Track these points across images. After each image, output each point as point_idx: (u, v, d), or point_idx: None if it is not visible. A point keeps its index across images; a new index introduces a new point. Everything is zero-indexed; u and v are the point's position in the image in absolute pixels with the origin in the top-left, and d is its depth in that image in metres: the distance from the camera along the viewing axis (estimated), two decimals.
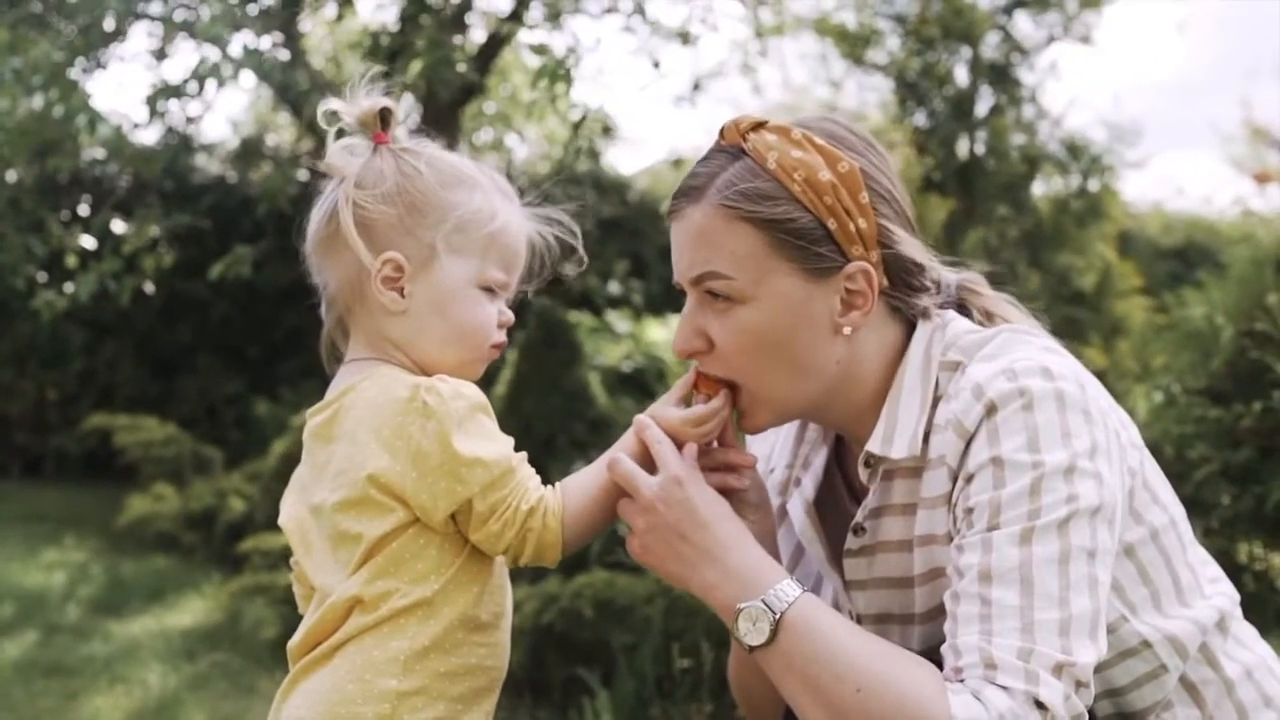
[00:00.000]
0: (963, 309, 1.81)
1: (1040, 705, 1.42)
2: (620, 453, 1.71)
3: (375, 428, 1.60)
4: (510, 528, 1.61)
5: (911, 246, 1.70)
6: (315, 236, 1.74)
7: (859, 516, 1.74)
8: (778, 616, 1.53)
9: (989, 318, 1.80)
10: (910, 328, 1.73)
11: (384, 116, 1.73)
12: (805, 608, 1.54)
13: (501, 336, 1.76)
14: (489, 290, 1.73)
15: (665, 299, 10.52)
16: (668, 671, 3.84)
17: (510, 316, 1.77)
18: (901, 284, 1.70)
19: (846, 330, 1.67)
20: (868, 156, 1.69)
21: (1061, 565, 1.48)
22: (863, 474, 1.72)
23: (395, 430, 1.59)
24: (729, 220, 1.64)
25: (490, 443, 1.62)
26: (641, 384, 7.90)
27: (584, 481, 1.70)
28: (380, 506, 1.61)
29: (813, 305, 1.66)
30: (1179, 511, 1.75)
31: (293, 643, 1.69)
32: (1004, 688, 1.43)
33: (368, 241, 1.67)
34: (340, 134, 1.74)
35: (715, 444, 1.76)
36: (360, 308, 1.72)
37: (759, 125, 1.69)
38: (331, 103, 1.74)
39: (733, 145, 1.69)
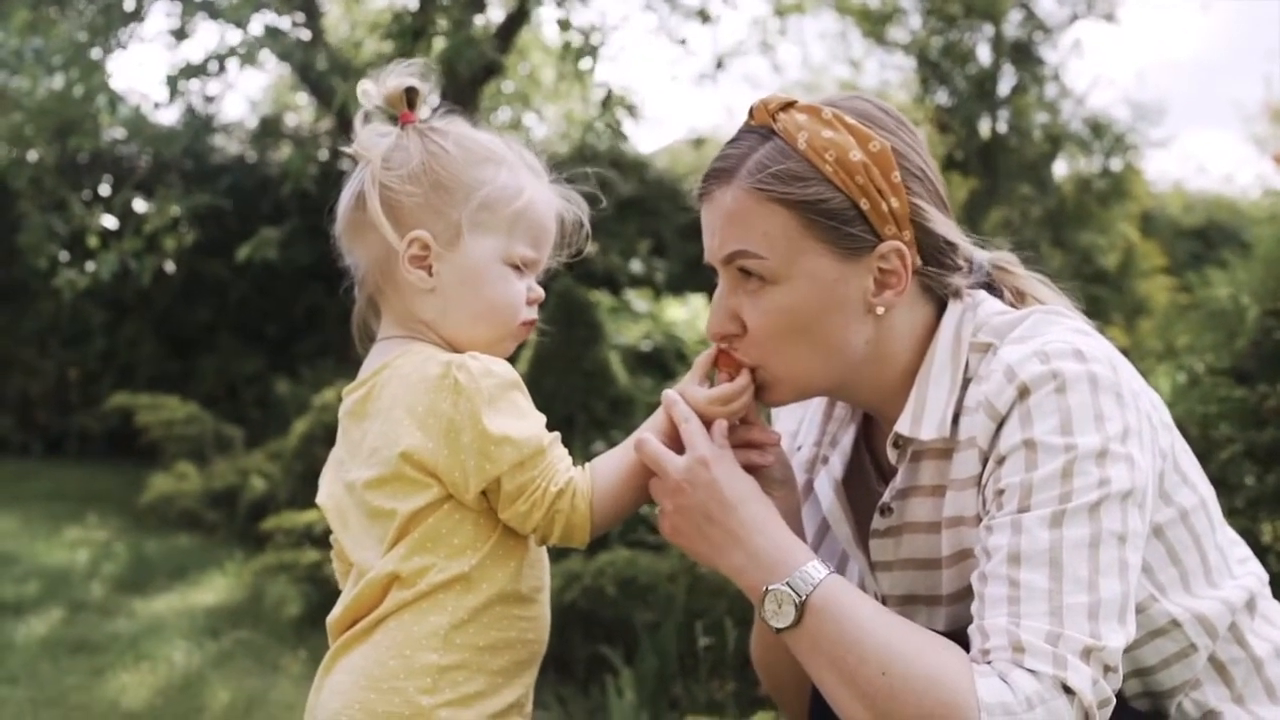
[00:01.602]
0: (994, 288, 1.80)
1: (1068, 689, 1.42)
2: (648, 433, 1.71)
3: (409, 405, 1.62)
4: (538, 508, 1.62)
5: (944, 225, 1.69)
6: (344, 219, 1.75)
7: (886, 497, 1.74)
8: (803, 599, 1.54)
9: (1020, 297, 1.79)
10: (941, 307, 1.72)
11: (410, 96, 1.74)
12: (831, 590, 1.54)
13: (532, 313, 1.76)
14: (517, 267, 1.73)
15: (685, 278, 10.50)
16: (690, 649, 3.84)
17: (540, 293, 1.77)
18: (934, 263, 1.69)
19: (880, 310, 1.67)
20: (899, 135, 1.67)
21: (1092, 549, 1.48)
22: (891, 455, 1.71)
23: (428, 407, 1.60)
24: (760, 202, 1.64)
25: (521, 421, 1.62)
26: (660, 363, 7.90)
27: (613, 463, 1.71)
28: (414, 483, 1.62)
29: (846, 285, 1.65)
30: (1209, 492, 1.74)
31: (332, 618, 1.71)
32: (1031, 671, 1.43)
33: (394, 222, 1.68)
34: (367, 116, 1.75)
35: (739, 421, 1.75)
36: (390, 287, 1.73)
37: (788, 105, 1.68)
38: (361, 84, 1.74)
39: (762, 126, 1.68)
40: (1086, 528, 1.48)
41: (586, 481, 1.66)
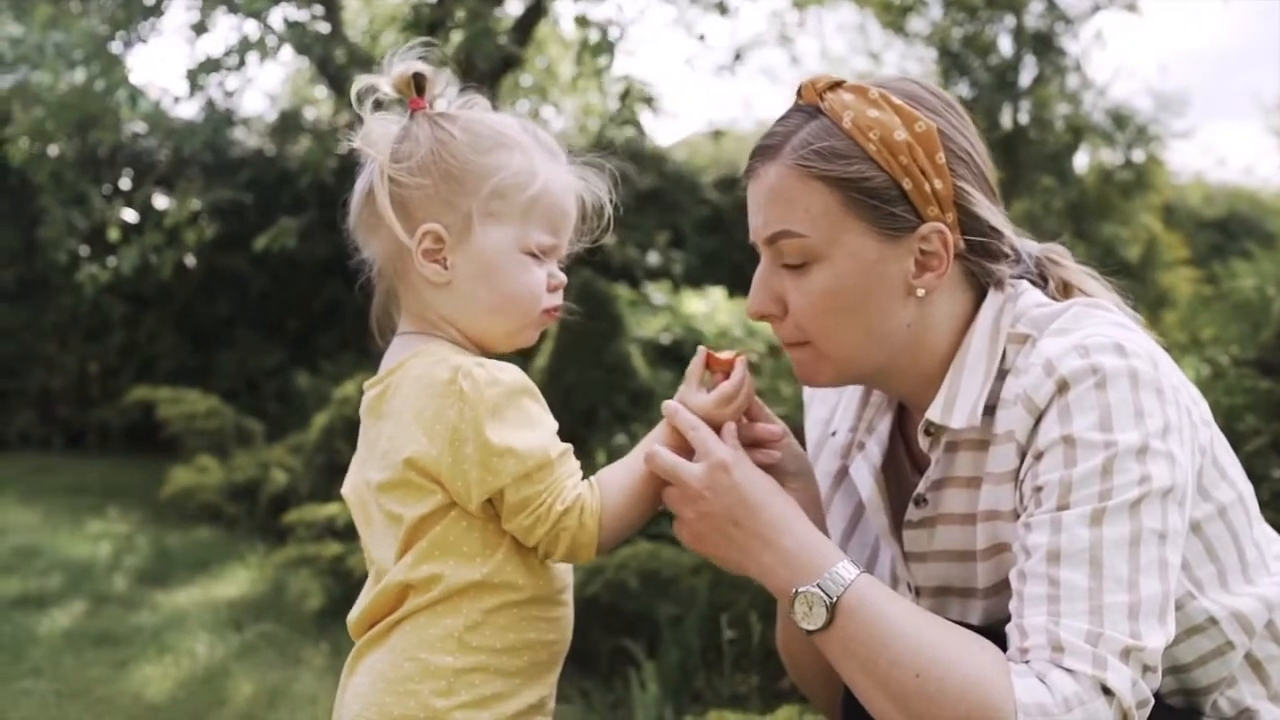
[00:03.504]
0: (1040, 280, 1.78)
1: (1107, 690, 1.41)
2: (657, 445, 1.67)
3: (417, 410, 1.58)
4: (542, 524, 1.58)
5: (988, 210, 1.67)
6: (355, 214, 1.70)
7: (921, 487, 1.73)
8: (834, 601, 1.52)
9: (1066, 290, 1.77)
10: (983, 295, 1.70)
11: (418, 81, 1.67)
12: (862, 591, 1.53)
13: (554, 300, 1.70)
14: (535, 255, 1.66)
15: (703, 271, 10.49)
16: (713, 643, 3.84)
17: (562, 279, 1.71)
18: (978, 248, 1.67)
19: (920, 292, 1.65)
20: (946, 117, 1.66)
21: (1132, 548, 1.46)
22: (923, 442, 1.70)
23: (435, 413, 1.56)
24: (803, 179, 1.63)
25: (528, 432, 1.58)
26: (680, 356, 7.88)
27: (621, 477, 1.67)
28: (420, 489, 1.59)
29: (886, 266, 1.64)
30: (1247, 488, 1.72)
31: (351, 617, 1.69)
32: (1070, 671, 1.41)
33: (404, 217, 1.62)
34: (378, 107, 1.68)
35: (744, 419, 1.74)
36: (404, 284, 1.69)
37: (836, 84, 1.67)
38: (366, 78, 1.68)
39: (809, 104, 1.68)
40: (1127, 526, 1.46)
41: (595, 499, 1.61)
